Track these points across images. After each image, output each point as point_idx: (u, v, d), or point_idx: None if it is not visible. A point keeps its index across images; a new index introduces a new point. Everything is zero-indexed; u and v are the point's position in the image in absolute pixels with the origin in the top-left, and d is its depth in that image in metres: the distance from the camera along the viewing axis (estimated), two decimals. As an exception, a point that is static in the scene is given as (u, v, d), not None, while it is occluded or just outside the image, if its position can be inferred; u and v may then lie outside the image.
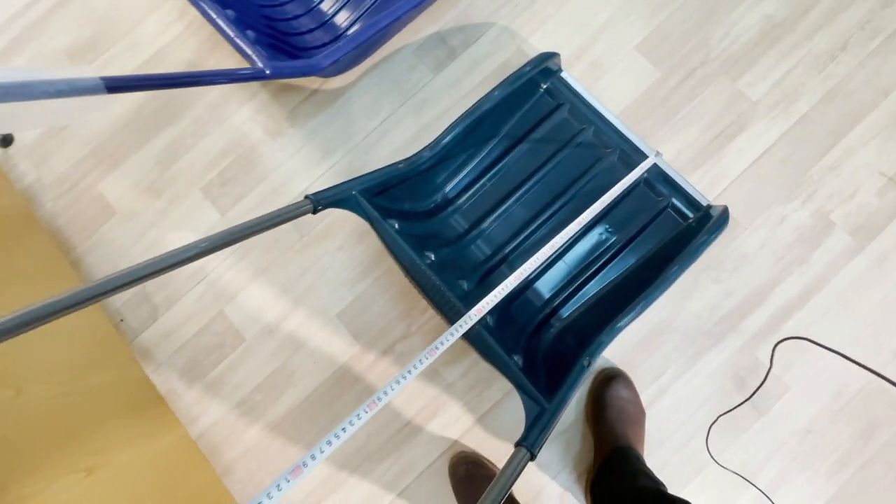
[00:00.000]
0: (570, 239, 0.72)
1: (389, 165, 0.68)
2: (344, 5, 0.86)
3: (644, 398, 0.75)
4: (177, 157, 0.89)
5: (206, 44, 0.92)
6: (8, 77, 0.50)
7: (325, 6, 0.87)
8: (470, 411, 0.79)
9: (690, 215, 0.74)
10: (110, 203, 0.89)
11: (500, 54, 0.86)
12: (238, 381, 0.82)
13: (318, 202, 0.57)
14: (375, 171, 0.65)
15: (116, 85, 0.49)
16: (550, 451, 0.77)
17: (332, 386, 0.81)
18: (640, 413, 0.74)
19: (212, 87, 0.89)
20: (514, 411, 0.79)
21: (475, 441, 0.78)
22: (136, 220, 0.88)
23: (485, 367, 0.80)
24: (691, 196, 0.74)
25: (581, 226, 0.61)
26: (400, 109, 0.86)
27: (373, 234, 0.85)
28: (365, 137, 0.86)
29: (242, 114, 0.89)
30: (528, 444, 0.51)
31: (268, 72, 0.64)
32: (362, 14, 0.84)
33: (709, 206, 0.72)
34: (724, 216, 0.67)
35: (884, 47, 0.80)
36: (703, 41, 0.84)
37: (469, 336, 0.61)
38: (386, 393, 0.38)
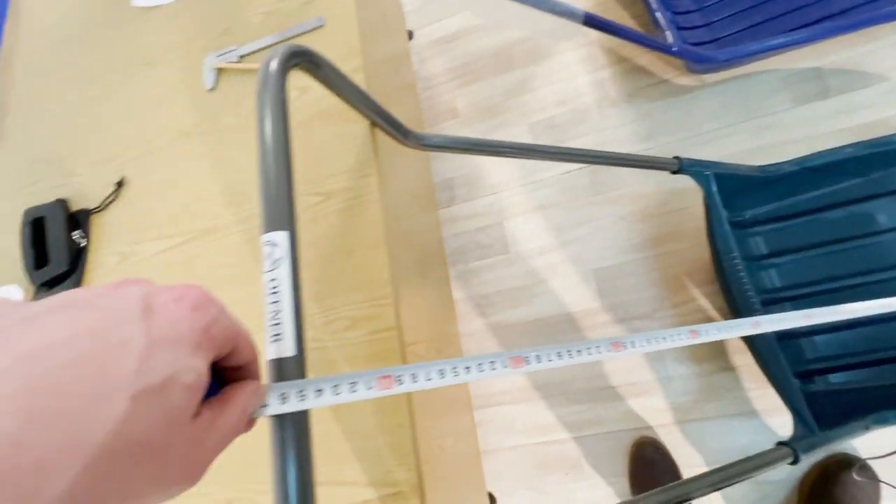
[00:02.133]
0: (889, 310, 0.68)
1: (741, 164, 0.72)
2: (737, 12, 0.90)
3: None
4: (522, 92, 1.07)
5: (603, 3, 1.06)
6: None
7: (716, 9, 0.92)
8: (676, 411, 0.82)
9: None
10: (457, 108, 1.12)
11: (882, 111, 0.82)
12: (489, 279, 0.98)
13: (685, 166, 0.65)
14: (730, 163, 0.71)
15: (592, 22, 0.63)
16: (744, 489, 0.76)
17: (560, 323, 0.92)
18: None
19: (574, 47, 1.04)
20: (719, 436, 0.79)
21: (666, 438, 0.81)
22: (470, 128, 1.09)
23: (709, 382, 0.81)
24: None
25: None
26: (741, 124, 0.89)
27: (658, 220, 0.91)
28: (694, 136, 0.91)
29: (591, 77, 1.02)
30: (797, 448, 0.53)
31: (674, 49, 0.73)
32: (755, 25, 0.87)
33: None
34: None
35: None
36: None
37: (756, 341, 0.64)
38: (633, 344, 0.35)
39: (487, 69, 1.11)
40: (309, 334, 0.41)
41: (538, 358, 0.30)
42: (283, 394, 0.22)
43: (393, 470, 0.35)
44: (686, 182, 0.89)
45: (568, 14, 0.64)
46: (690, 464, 0.80)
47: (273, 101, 0.31)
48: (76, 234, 0.53)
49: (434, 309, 0.79)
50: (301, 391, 0.23)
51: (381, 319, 0.39)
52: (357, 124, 0.44)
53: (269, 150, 0.29)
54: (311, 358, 0.41)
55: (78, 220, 0.54)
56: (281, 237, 0.27)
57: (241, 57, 0.54)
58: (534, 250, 0.97)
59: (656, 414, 0.83)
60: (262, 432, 0.23)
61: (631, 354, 0.35)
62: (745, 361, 0.80)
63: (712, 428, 0.80)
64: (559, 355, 0.31)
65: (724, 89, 0.92)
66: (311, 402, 0.23)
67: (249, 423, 0.20)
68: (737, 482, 0.50)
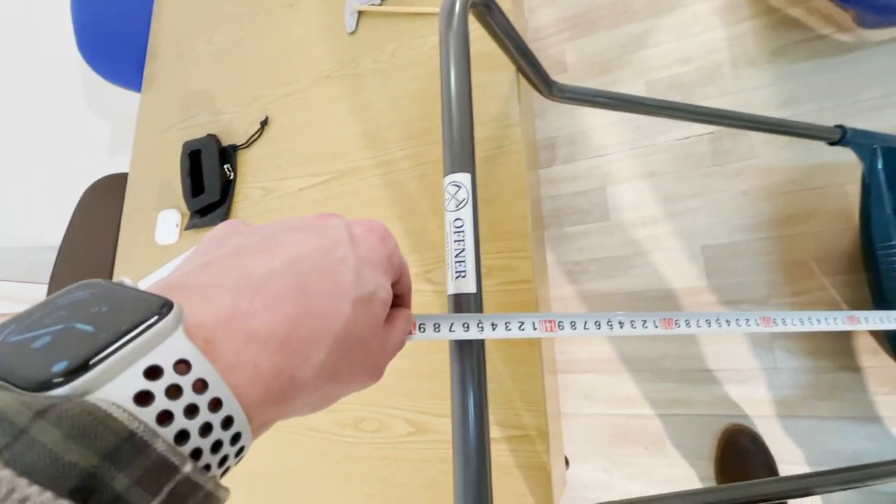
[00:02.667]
0: None
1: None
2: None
3: None
4: (642, 46, 0.98)
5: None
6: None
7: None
8: (780, 404, 0.77)
9: None
10: (567, 62, 1.05)
11: None
12: (584, 246, 0.96)
13: (850, 136, 0.57)
14: (907, 137, 0.61)
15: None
16: (852, 495, 0.71)
17: (659, 299, 0.88)
18: None
19: (710, -4, 0.93)
20: (827, 437, 0.73)
21: (763, 430, 0.77)
22: (580, 83, 1.02)
23: (825, 380, 0.75)
24: None
25: None
26: (914, 92, 0.76)
27: (786, 196, 0.82)
28: (848, 104, 0.80)
29: (727, 31, 0.91)
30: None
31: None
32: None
33: None
34: None
35: None
36: None
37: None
38: (784, 322, 0.33)
39: (603, 20, 1.03)
40: (440, 277, 0.43)
41: (688, 322, 0.29)
42: (436, 324, 0.24)
43: (521, 414, 0.37)
44: (831, 157, 0.79)
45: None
46: (787, 461, 0.76)
47: (457, 43, 0.31)
48: (226, 168, 0.58)
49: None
50: (479, 323, 0.24)
51: (516, 271, 0.39)
52: (503, 73, 0.43)
53: (452, 93, 0.29)
54: (442, 301, 0.43)
55: (227, 154, 0.59)
56: (464, 178, 0.27)
57: (383, 0, 0.54)
58: (637, 220, 0.92)
59: (756, 404, 0.79)
60: (394, 363, 0.24)
61: (780, 330, 0.33)
62: (876, 363, 0.73)
63: (821, 428, 0.74)
64: (708, 323, 0.30)
65: (894, 49, 0.78)
66: (487, 334, 0.24)
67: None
68: (866, 485, 0.47)
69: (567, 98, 0.45)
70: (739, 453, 0.76)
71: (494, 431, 0.37)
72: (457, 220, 0.27)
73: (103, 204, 0.82)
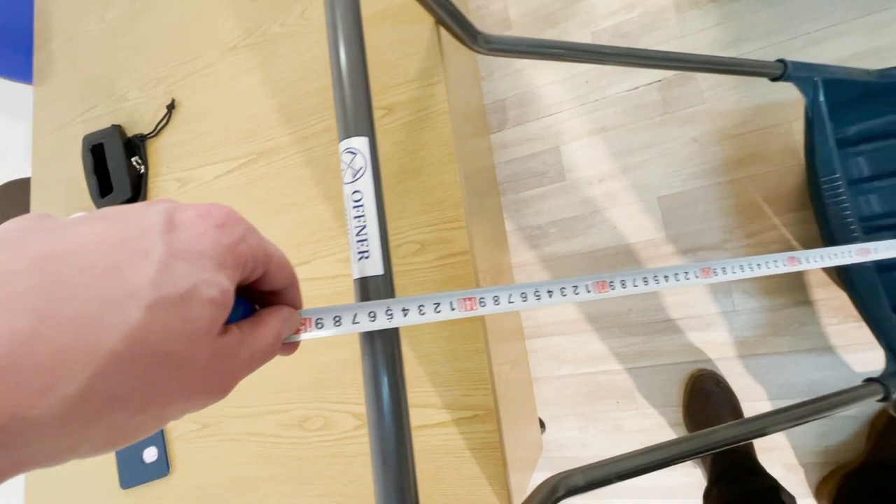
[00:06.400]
0: None
1: (854, 68, 0.62)
2: None
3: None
4: (585, -5, 0.94)
5: None
6: None
7: None
8: (740, 345, 0.78)
9: None
10: (510, 18, 1.00)
11: None
12: (543, 209, 0.94)
13: (793, 70, 0.55)
14: (847, 67, 0.60)
15: None
16: (807, 425, 0.73)
17: (619, 255, 0.87)
18: None
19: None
20: (786, 371, 0.76)
21: (726, 371, 0.79)
22: (524, 39, 0.98)
23: (781, 316, 0.77)
24: None
25: None
26: (854, 21, 0.75)
27: (738, 140, 0.82)
28: (792, 38, 0.78)
29: (668, -27, 0.88)
30: (890, 384, 0.49)
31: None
32: None
33: None
34: None
35: None
36: None
37: (852, 273, 0.58)
38: (724, 270, 0.32)
39: (546, -31, 0.98)
40: (376, 259, 0.40)
41: (623, 283, 0.28)
42: (336, 317, 0.20)
43: (469, 394, 0.35)
44: (777, 95, 0.79)
45: None
46: (751, 398, 0.78)
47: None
48: (134, 160, 0.53)
49: (490, 238, 0.77)
50: (388, 310, 0.21)
51: (452, 244, 0.36)
52: (421, 24, 0.39)
53: (341, 46, 0.25)
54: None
55: (134, 145, 0.53)
56: (361, 143, 0.24)
57: (283, -45, 0.48)
58: (593, 177, 0.90)
59: (718, 347, 0.80)
60: (333, 355, 0.22)
61: (720, 280, 0.32)
62: (827, 295, 0.74)
63: (779, 363, 0.76)
64: (645, 281, 0.29)
65: (835, -21, 0.77)
66: (398, 321, 0.21)
67: (289, 346, 0.20)
68: (818, 418, 0.48)
69: (494, 49, 0.41)
70: (704, 397, 0.77)
71: (442, 415, 0.35)
72: (355, 192, 0.23)
73: (9, 213, 0.74)
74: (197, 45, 0.52)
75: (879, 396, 0.50)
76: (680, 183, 0.84)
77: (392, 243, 0.40)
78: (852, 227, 0.58)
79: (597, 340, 0.88)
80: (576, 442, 0.89)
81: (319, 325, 0.21)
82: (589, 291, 0.27)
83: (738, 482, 0.65)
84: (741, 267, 0.34)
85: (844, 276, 0.59)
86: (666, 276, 0.30)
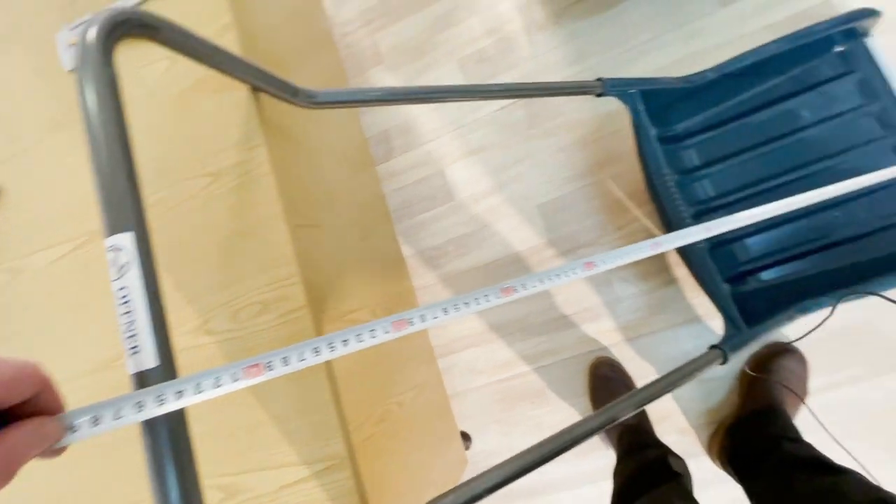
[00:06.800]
0: (808, 204, 0.70)
1: (665, 77, 0.71)
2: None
3: (813, 383, 0.75)
4: (448, 26, 1.00)
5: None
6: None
7: None
8: (627, 329, 0.86)
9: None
10: (381, 52, 1.04)
11: (804, 1, 0.80)
12: (438, 229, 0.97)
13: (609, 87, 0.63)
14: (655, 77, 0.69)
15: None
16: (691, 389, 0.82)
17: (510, 264, 0.93)
18: (803, 393, 0.74)
19: (495, -32, 0.96)
20: (667, 346, 0.84)
21: (622, 355, 0.86)
22: (398, 72, 1.02)
23: (655, 297, 0.85)
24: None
25: (824, 198, 0.60)
26: (670, 33, 0.86)
27: (597, 145, 0.90)
28: (625, 51, 0.88)
29: (513, 2, 0.96)
30: (726, 349, 0.56)
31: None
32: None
33: None
34: None
35: None
36: None
37: (689, 254, 0.66)
38: (568, 273, 0.36)
39: (406, 6, 1.03)
40: (221, 326, 0.40)
41: (422, 317, 0.30)
42: (95, 417, 0.21)
43: (325, 445, 0.36)
44: (619, 103, 0.88)
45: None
46: (644, 375, 0.85)
47: (97, 82, 0.27)
48: (-41, 254, 0.49)
49: (380, 270, 0.78)
50: (160, 396, 0.22)
51: (291, 300, 0.37)
52: (238, 90, 0.40)
53: (99, 141, 0.26)
54: (228, 350, 0.41)
55: (-42, 237, 0.49)
56: (125, 240, 0.25)
57: (98, 28, 0.47)
58: (477, 194, 0.96)
59: (609, 334, 0.87)
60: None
61: (602, 270, 0.38)
62: (686, 273, 0.83)
63: (661, 339, 0.84)
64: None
65: (650, -2, 0.88)
66: (171, 405, 0.22)
67: (54, 451, 0.21)
68: (676, 388, 0.53)
69: (319, 103, 0.43)
70: (603, 382, 0.83)
71: (302, 471, 0.36)
72: (121, 289, 0.24)
73: None
74: (19, 126, 0.49)
75: (720, 361, 0.57)
76: (554, 190, 0.91)
77: (235, 307, 0.41)
78: (683, 213, 0.66)
79: (504, 347, 0.92)
80: (502, 447, 0.92)
81: (73, 430, 0.21)
82: (387, 333, 0.29)
83: (634, 456, 0.71)
84: (541, 280, 0.37)
85: (683, 257, 0.66)
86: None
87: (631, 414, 0.48)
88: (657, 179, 0.67)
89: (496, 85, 0.55)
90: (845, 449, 0.61)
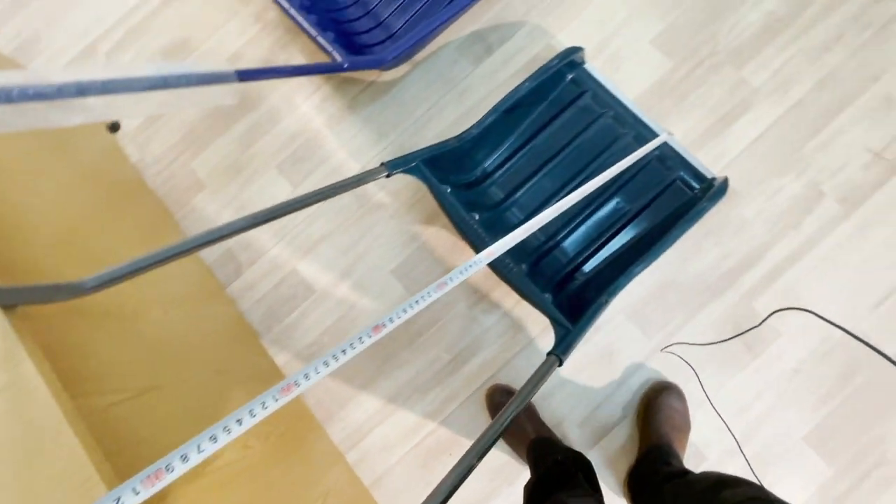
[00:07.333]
0: (587, 199, 0.85)
1: (443, 141, 0.82)
2: (397, 7, 1.01)
3: (653, 343, 0.88)
4: (255, 139, 1.05)
5: (277, 43, 1.08)
6: (152, 71, 0.66)
7: (380, 9, 1.02)
8: (504, 351, 0.93)
9: (696, 186, 0.86)
10: (201, 178, 1.06)
11: (532, 49, 1.00)
12: (308, 326, 0.99)
13: (392, 167, 0.72)
14: (432, 145, 0.80)
15: (247, 76, 0.65)
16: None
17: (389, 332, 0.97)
18: (686, 424, 0.83)
19: (283, 80, 1.05)
20: (539, 354, 0.93)
21: (508, 376, 0.93)
22: (222, 192, 1.05)
23: (515, 316, 0.94)
24: (697, 170, 0.86)
25: (597, 186, 0.73)
26: (444, 98, 1.01)
27: (420, 204, 1.00)
28: (413, 122, 1.01)
29: (310, 103, 1.05)
30: (559, 353, 0.64)
31: (346, 65, 0.79)
32: (413, 15, 0.98)
33: (713, 179, 0.84)
34: (723, 185, 0.79)
35: (874, 38, 0.90)
36: (711, 35, 0.95)
37: (505, 273, 0.75)
38: (406, 311, 0.43)
39: (210, 131, 1.07)
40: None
41: (306, 376, 0.33)
42: None
43: None
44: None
45: (220, 79, 0.65)
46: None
47: None
48: None
49: (254, 392, 0.77)
50: None
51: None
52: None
53: None
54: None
55: None
56: None
57: None
58: (334, 280, 0.99)
59: (493, 361, 0.94)
60: None
61: (391, 329, 0.44)
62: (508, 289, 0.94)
63: (531, 352, 0.93)
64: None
65: (419, 73, 1.02)
66: None
67: None
68: (530, 398, 0.57)
69: (93, 288, 0.44)
70: (500, 407, 0.89)
71: None
72: None
73: None
74: None
75: (557, 364, 0.65)
76: (399, 254, 0.98)
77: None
78: (486, 242, 0.76)
79: (407, 413, 0.94)
80: (439, 510, 0.92)
81: None
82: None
83: (658, 465, 0.75)
84: (411, 305, 0.45)
85: (507, 282, 0.76)
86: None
87: (499, 434, 0.52)
88: (462, 224, 0.77)
89: (300, 197, 0.61)
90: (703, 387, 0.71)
